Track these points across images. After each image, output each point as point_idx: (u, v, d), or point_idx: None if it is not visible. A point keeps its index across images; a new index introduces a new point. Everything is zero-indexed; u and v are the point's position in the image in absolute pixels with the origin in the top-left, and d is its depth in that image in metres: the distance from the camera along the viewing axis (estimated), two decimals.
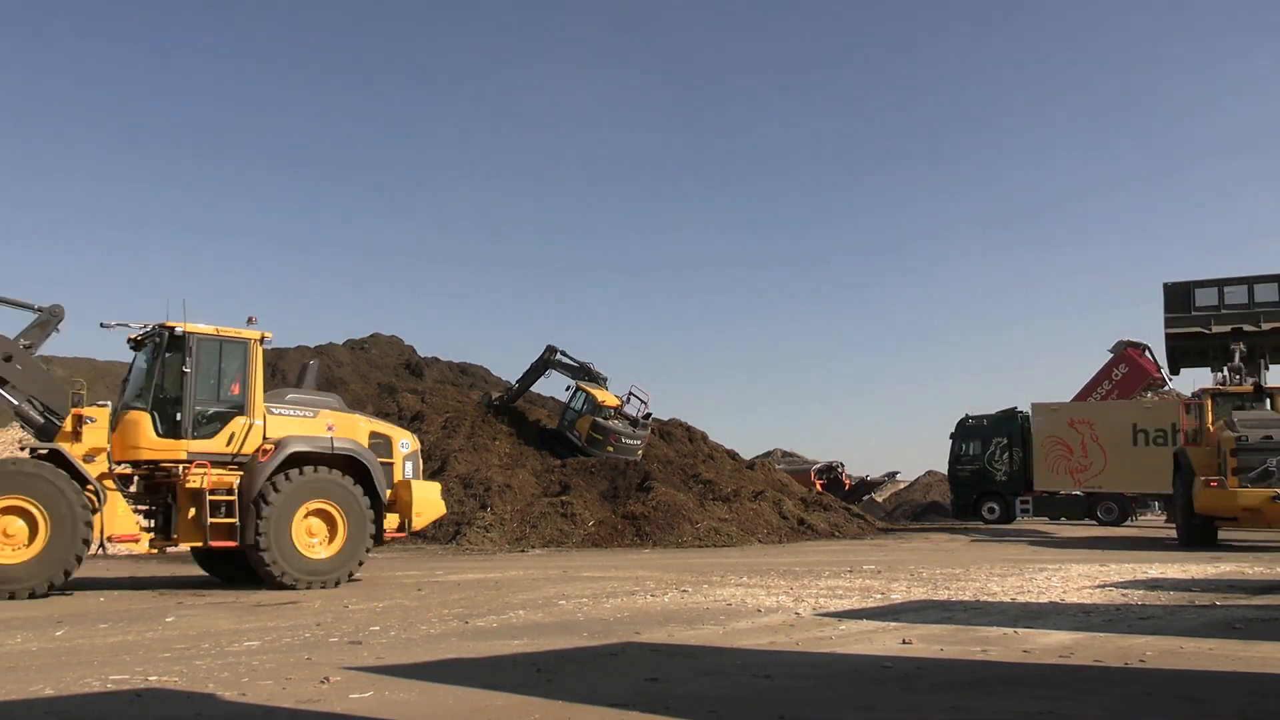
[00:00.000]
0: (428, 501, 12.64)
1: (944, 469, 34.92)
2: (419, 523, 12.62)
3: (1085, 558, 16.06)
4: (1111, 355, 33.56)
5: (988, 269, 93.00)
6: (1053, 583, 11.44)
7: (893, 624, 8.01)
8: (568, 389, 27.69)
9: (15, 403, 11.15)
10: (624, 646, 6.96)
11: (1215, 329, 22.44)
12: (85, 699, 5.16)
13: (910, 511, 40.34)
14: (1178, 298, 23.55)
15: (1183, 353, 25.06)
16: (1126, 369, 32.77)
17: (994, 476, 31.04)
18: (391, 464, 12.43)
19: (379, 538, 12.01)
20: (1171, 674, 5.71)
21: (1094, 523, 28.94)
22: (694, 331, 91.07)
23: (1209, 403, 20.08)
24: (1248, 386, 20.50)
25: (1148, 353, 33.36)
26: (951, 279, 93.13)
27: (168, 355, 11.35)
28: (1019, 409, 31.65)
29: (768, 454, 42.38)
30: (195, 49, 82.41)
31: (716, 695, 5.17)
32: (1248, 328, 21.73)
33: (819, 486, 33.40)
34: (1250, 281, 22.86)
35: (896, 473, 46.10)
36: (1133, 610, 8.85)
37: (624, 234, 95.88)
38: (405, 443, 12.83)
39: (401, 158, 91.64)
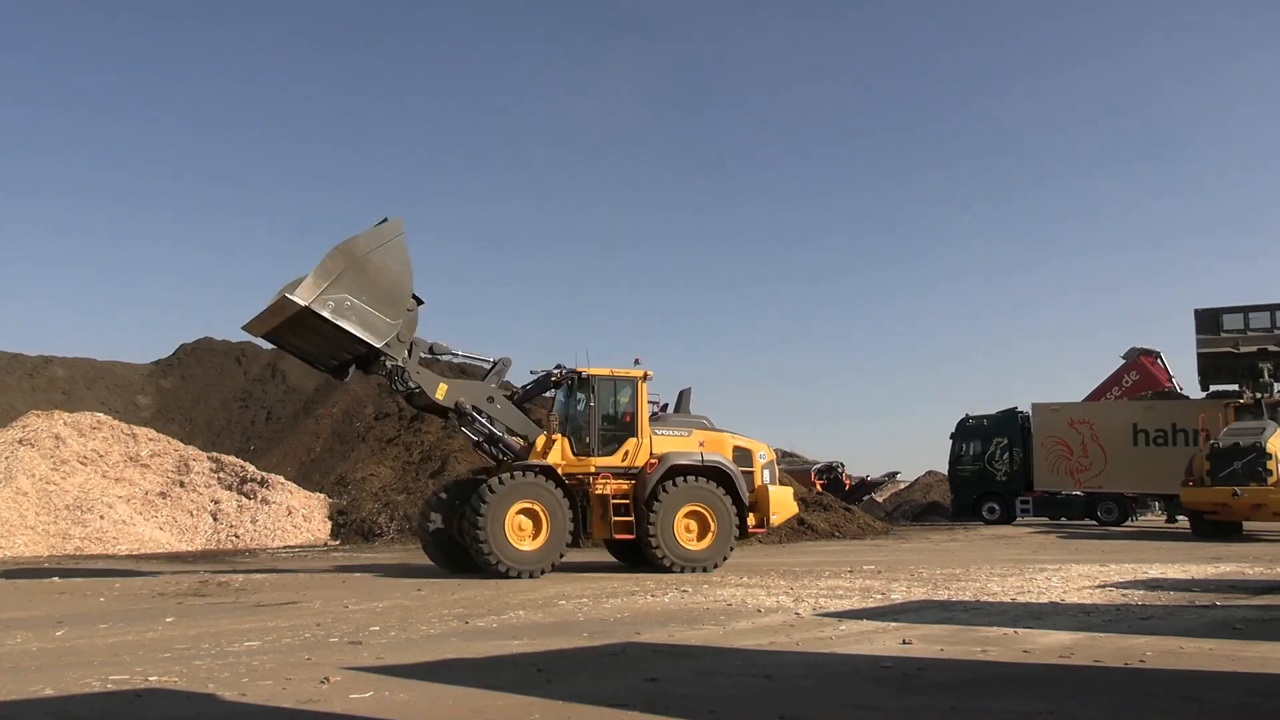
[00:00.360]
0: (782, 503, 14.91)
1: (944, 469, 34.94)
2: (775, 521, 14.98)
3: (1085, 558, 16.06)
4: (1124, 361, 33.72)
5: (988, 269, 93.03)
6: (1053, 583, 11.43)
7: (893, 624, 8.01)
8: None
9: (499, 434, 13.75)
10: (624, 646, 6.96)
11: (1243, 349, 24.74)
12: (85, 699, 5.16)
13: (910, 511, 40.33)
14: (1207, 321, 26.04)
15: (1214, 371, 26.91)
16: (1138, 376, 33.04)
17: (994, 476, 31.02)
18: (751, 472, 14.66)
19: (743, 533, 14.41)
20: (1171, 674, 5.71)
21: (1094, 523, 28.93)
22: (694, 332, 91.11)
23: (1231, 413, 23.19)
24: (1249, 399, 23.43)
25: (1160, 360, 33.55)
26: (952, 279, 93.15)
27: (578, 394, 14.25)
28: (1019, 409, 31.68)
29: None
30: (195, 49, 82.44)
31: (716, 695, 5.17)
32: (1271, 348, 24.13)
33: (819, 486, 33.36)
34: (1273, 309, 25.48)
35: (896, 473, 46.11)
36: (1133, 610, 8.85)
37: (624, 235, 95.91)
38: (763, 454, 15.01)
39: (402, 158, 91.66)
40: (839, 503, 28.30)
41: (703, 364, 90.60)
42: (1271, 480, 20.25)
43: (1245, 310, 25.78)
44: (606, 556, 15.86)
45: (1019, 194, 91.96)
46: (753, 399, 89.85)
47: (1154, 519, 31.82)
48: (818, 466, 38.56)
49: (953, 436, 32.46)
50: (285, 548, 20.56)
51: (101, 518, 19.98)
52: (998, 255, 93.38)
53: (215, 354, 38.53)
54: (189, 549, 20.21)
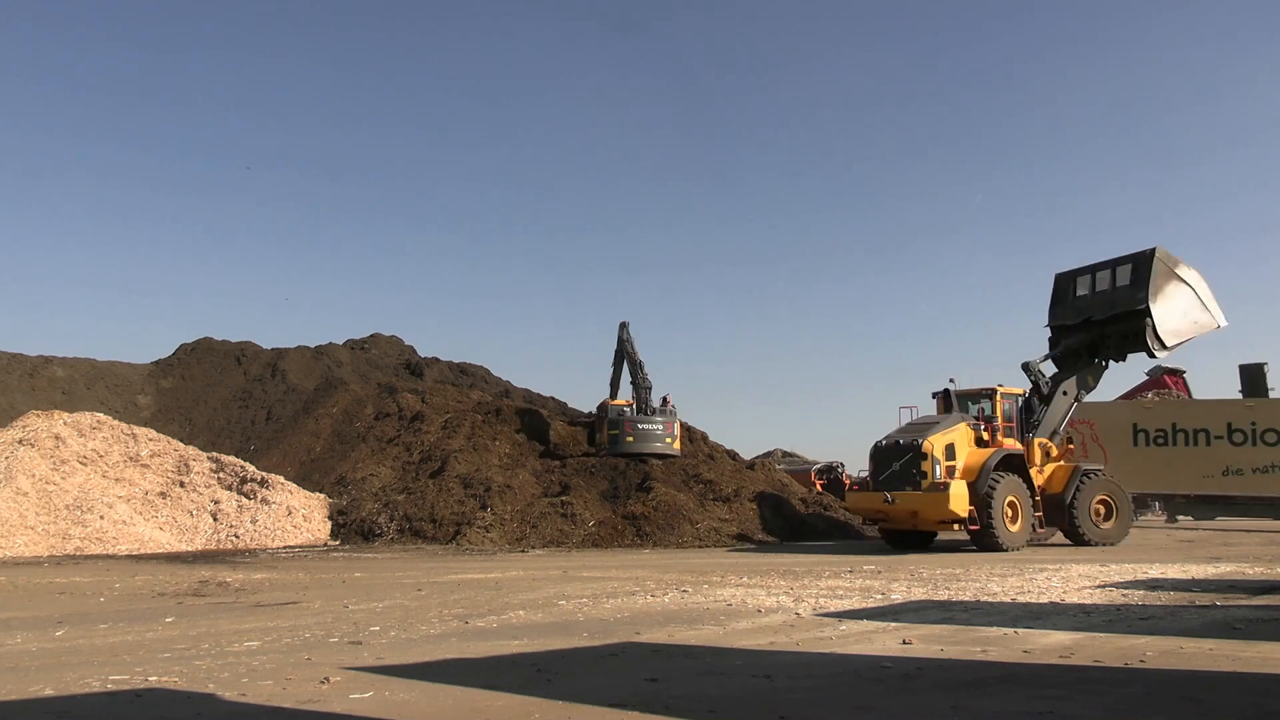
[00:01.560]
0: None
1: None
2: None
3: (1085, 558, 16.06)
4: (1146, 378, 33.76)
5: (989, 269, 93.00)
6: (1053, 583, 11.43)
7: (893, 624, 8.00)
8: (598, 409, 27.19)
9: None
10: (624, 646, 6.95)
11: (1059, 321, 21.74)
12: (85, 699, 5.16)
13: None
14: (1062, 288, 22.74)
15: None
16: (1163, 393, 32.96)
17: None
18: None
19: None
20: (1171, 674, 5.71)
21: None
22: (694, 332, 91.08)
23: (939, 404, 20.96)
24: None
25: (1183, 379, 33.57)
26: (953, 278, 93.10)
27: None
28: None
29: (768, 454, 42.34)
30: (196, 49, 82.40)
31: (716, 695, 5.17)
32: (1096, 317, 20.98)
33: (819, 486, 33.34)
34: (1114, 265, 21.87)
35: None
36: (1133, 610, 8.85)
37: (624, 234, 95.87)
38: None
39: (402, 158, 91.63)
40: (839, 503, 28.31)
41: (703, 363, 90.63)
42: (925, 483, 17.92)
43: (1093, 270, 22.31)
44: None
45: (1021, 195, 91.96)
46: (753, 399, 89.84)
47: (1153, 519, 31.85)
48: (818, 466, 38.52)
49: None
50: (285, 548, 20.56)
51: (101, 518, 19.98)
52: (1000, 254, 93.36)
53: (215, 354, 38.53)
54: (189, 549, 20.21)
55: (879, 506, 18.64)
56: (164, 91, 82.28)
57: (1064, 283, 22.56)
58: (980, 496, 17.74)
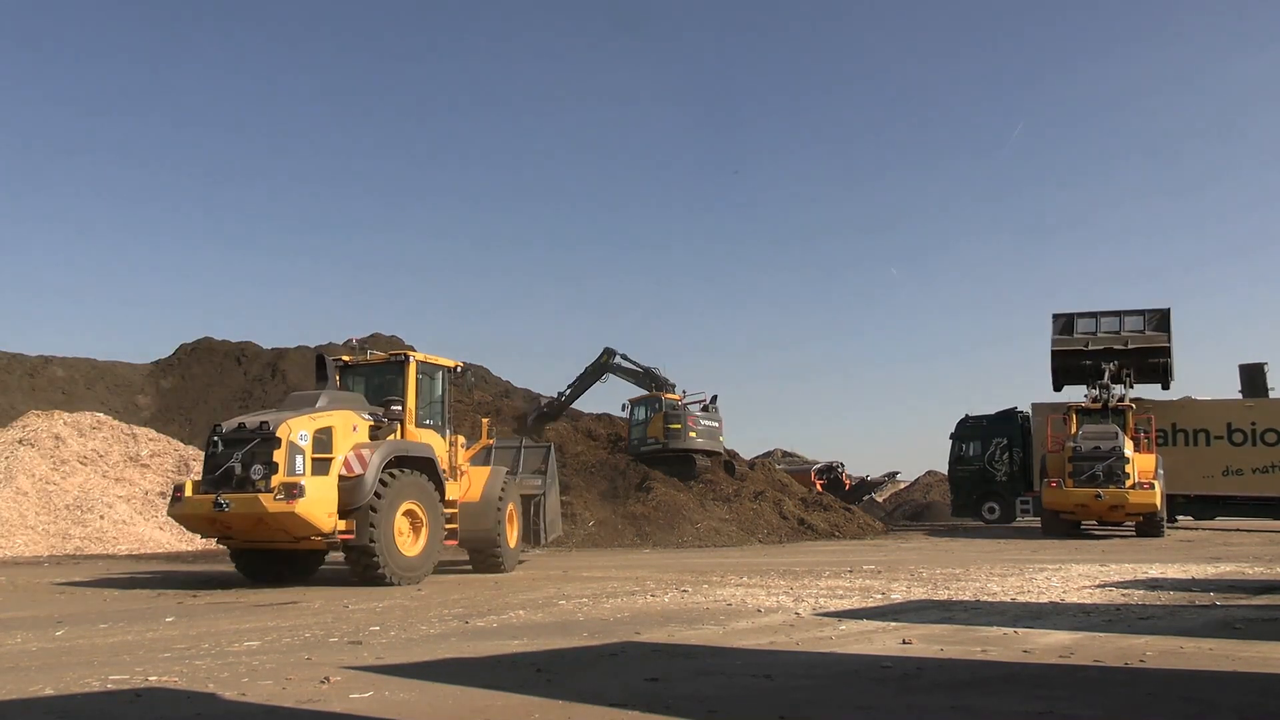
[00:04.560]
0: None
1: (944, 469, 34.95)
2: None
3: (1085, 558, 16.06)
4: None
5: (990, 268, 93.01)
6: (1053, 583, 11.43)
7: (893, 624, 8.00)
8: (624, 409, 26.35)
9: None
10: (624, 646, 6.95)
11: (1092, 347, 26.61)
12: (85, 699, 5.16)
13: (910, 511, 40.32)
14: (1062, 325, 27.96)
15: (1065, 371, 28.09)
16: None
17: (994, 476, 31.01)
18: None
19: None
20: (1171, 674, 5.71)
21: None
22: (695, 332, 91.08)
23: (1074, 416, 24.75)
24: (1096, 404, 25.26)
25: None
26: (954, 278, 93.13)
27: None
28: (1019, 409, 31.61)
29: (768, 454, 42.35)
30: (195, 49, 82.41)
31: (716, 695, 5.17)
32: (1117, 347, 26.14)
33: (819, 486, 33.37)
34: (1121, 314, 27.47)
35: (897, 473, 46.08)
36: (1133, 610, 8.85)
37: (624, 234, 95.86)
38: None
39: (402, 157, 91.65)
40: (839, 503, 28.32)
41: (703, 363, 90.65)
42: (1129, 483, 21.74)
43: (1097, 315, 27.75)
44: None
45: (1019, 193, 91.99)
46: (753, 398, 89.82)
47: None
48: (818, 466, 38.57)
49: (952, 437, 32.41)
50: None
51: (101, 518, 19.98)
52: (1002, 253, 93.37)
53: (215, 354, 38.53)
54: (189, 549, 20.21)
55: (1087, 501, 21.91)
56: (164, 91, 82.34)
57: (1064, 321, 27.71)
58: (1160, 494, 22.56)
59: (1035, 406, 30.54)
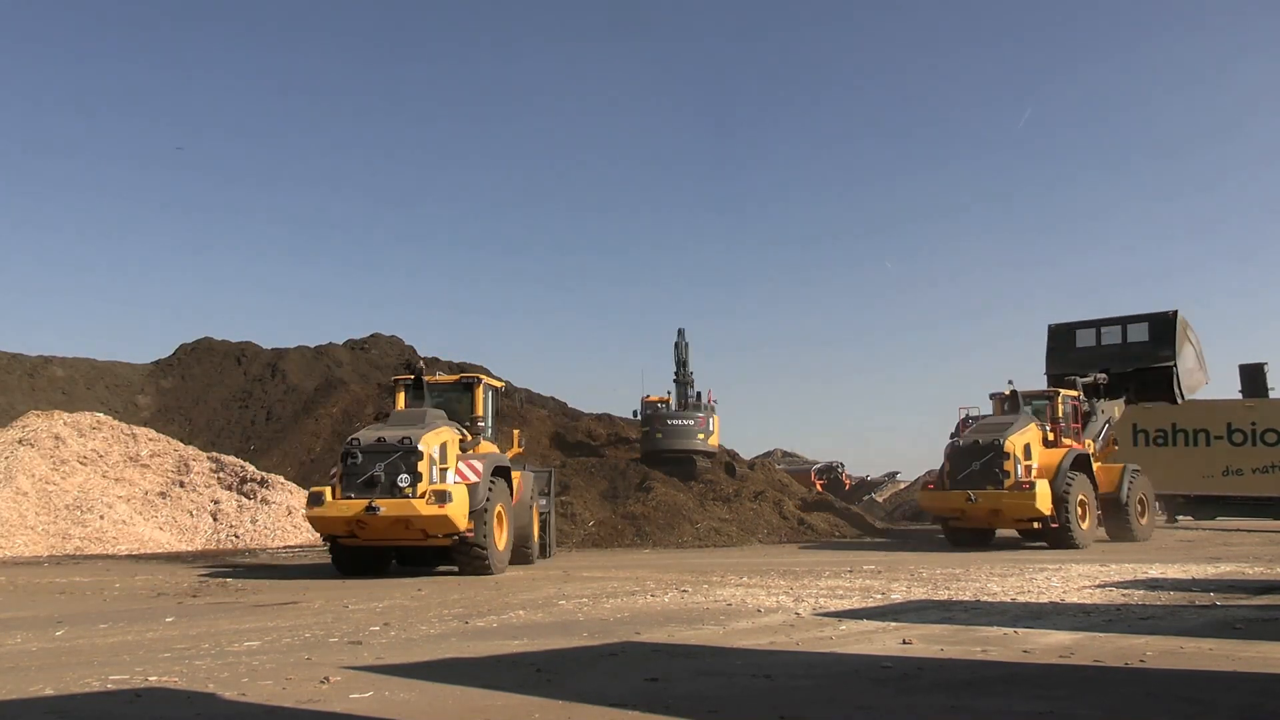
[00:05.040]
0: None
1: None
2: None
3: (1085, 558, 16.06)
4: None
5: (991, 267, 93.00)
6: (1053, 583, 11.43)
7: (893, 624, 8.00)
8: (634, 414, 26.47)
9: None
10: (624, 646, 6.95)
11: (1090, 375, 23.07)
12: (85, 699, 5.16)
13: (910, 511, 40.29)
14: (1061, 339, 25.10)
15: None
16: None
17: None
18: None
19: None
20: (1171, 674, 5.71)
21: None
22: (695, 332, 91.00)
23: (997, 405, 21.55)
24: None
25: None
26: (954, 278, 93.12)
27: None
28: None
29: (768, 454, 42.35)
30: (196, 48, 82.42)
31: (716, 695, 5.17)
32: (1115, 369, 23.41)
33: (819, 486, 33.36)
34: (1124, 322, 24.39)
35: (897, 473, 46.06)
36: (1133, 610, 8.85)
37: (624, 234, 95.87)
38: None
39: (401, 157, 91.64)
40: (839, 502, 28.32)
41: (704, 363, 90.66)
42: (1008, 483, 18.14)
43: (1098, 325, 24.75)
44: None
45: (1022, 192, 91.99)
46: (753, 398, 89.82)
47: (1154, 519, 31.63)
48: (818, 466, 38.57)
49: (953, 435, 32.39)
50: (285, 548, 20.56)
51: (101, 518, 19.98)
52: (1001, 253, 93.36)
53: (215, 354, 38.52)
54: (189, 549, 20.21)
55: (960, 505, 18.90)
56: (164, 91, 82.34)
57: (1063, 334, 24.77)
58: (1058, 495, 18.51)
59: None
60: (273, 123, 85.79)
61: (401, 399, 15.16)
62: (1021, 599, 9.84)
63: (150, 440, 23.94)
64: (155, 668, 6.00)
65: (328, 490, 13.08)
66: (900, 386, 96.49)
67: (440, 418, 14.07)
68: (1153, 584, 11.38)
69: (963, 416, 20.84)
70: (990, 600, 9.83)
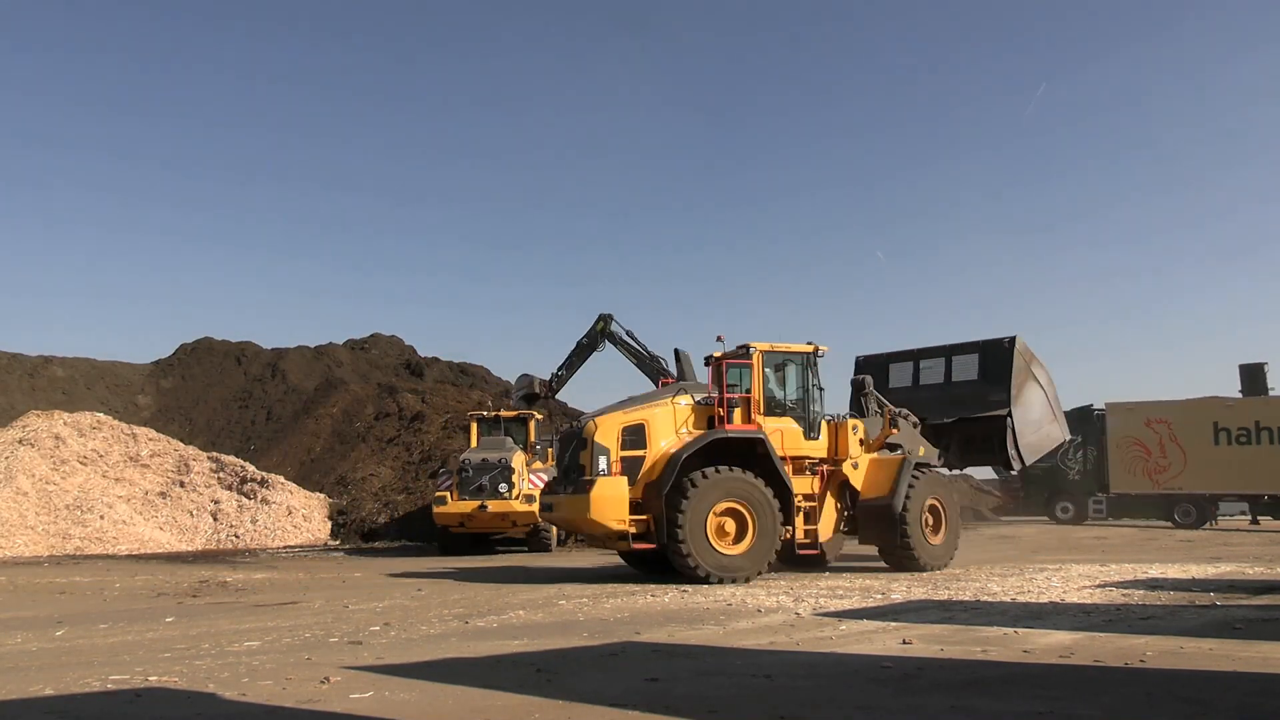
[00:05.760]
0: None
1: (943, 469, 34.62)
2: None
3: (1085, 558, 16.07)
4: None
5: (990, 265, 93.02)
6: (1053, 583, 11.44)
7: (893, 624, 8.01)
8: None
9: None
10: (624, 646, 6.96)
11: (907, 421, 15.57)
12: (85, 699, 5.16)
13: None
14: (870, 371, 17.62)
15: None
16: None
17: (1067, 475, 30.24)
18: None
19: None
20: (1171, 674, 5.71)
21: (1170, 524, 27.56)
22: (695, 331, 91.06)
23: (474, 425, 21.02)
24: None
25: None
26: (954, 277, 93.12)
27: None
28: (1093, 406, 30.62)
29: None
30: (197, 46, 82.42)
31: (716, 695, 5.17)
32: (931, 419, 16.53)
33: None
34: (949, 353, 17.86)
35: None
36: (1133, 610, 8.85)
37: (624, 235, 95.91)
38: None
39: (401, 157, 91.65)
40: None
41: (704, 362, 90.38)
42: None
43: (916, 356, 18.31)
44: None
45: (1020, 190, 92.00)
46: None
47: (1236, 521, 29.30)
48: None
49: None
50: (285, 548, 20.57)
51: (101, 518, 19.99)
52: (999, 250, 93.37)
53: (215, 354, 38.57)
54: (189, 549, 20.22)
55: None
56: (164, 91, 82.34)
57: (873, 370, 17.68)
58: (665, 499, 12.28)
59: (1110, 406, 29.48)
60: (273, 122, 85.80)
61: (475, 428, 20.85)
62: (1021, 599, 9.85)
63: (150, 440, 23.96)
64: (155, 668, 6.00)
65: (448, 494, 18.17)
66: None
67: (512, 444, 19.42)
68: (1153, 584, 11.38)
69: None
70: (990, 600, 9.84)
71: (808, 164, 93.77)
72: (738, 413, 13.06)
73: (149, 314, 79.89)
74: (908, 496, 13.53)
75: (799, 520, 13.03)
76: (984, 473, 47.32)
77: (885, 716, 4.66)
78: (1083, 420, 30.15)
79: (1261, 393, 28.87)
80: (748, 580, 12.08)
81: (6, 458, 20.88)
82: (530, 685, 5.41)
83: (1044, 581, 11.61)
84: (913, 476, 13.77)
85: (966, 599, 9.97)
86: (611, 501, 12.21)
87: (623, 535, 12.29)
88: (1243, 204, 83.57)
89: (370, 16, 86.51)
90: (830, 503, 13.70)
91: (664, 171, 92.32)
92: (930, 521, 13.93)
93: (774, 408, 13.46)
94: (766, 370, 13.48)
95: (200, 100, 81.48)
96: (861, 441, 14.08)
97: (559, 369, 24.56)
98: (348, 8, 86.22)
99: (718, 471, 12.26)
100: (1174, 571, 13.06)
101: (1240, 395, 29.21)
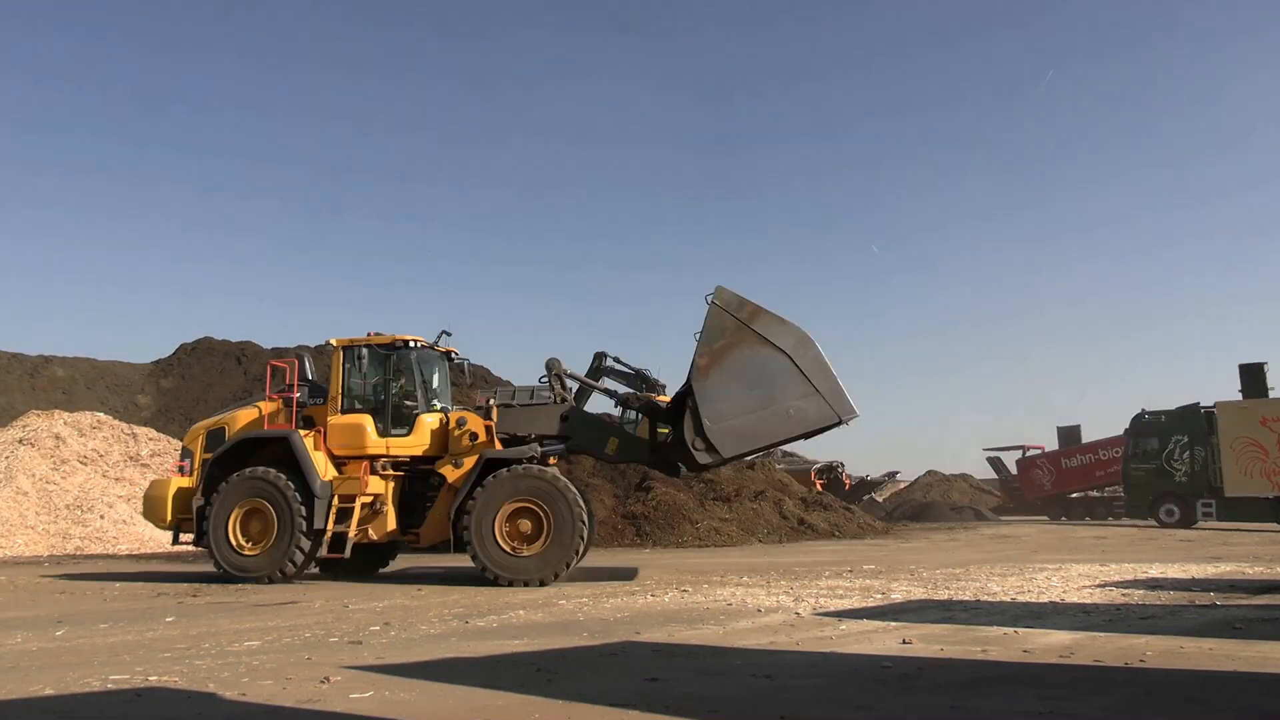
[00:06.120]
0: None
1: (944, 469, 34.71)
2: None
3: (1085, 557, 16.07)
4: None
5: (991, 271, 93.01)
6: (1053, 583, 11.44)
7: (893, 624, 8.00)
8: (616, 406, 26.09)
9: None
10: (624, 646, 6.95)
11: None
12: (85, 699, 5.16)
13: (910, 511, 40.32)
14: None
15: None
16: None
17: (1173, 477, 29.53)
18: None
19: None
20: (1171, 674, 5.71)
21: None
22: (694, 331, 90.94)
23: None
24: None
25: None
26: (955, 277, 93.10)
27: None
28: (1201, 405, 29.88)
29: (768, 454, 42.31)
30: (196, 48, 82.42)
31: (717, 695, 5.17)
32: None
33: (819, 486, 33.36)
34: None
35: (896, 473, 46.12)
36: (1133, 610, 8.85)
37: (624, 233, 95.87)
38: None
39: (402, 157, 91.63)
40: (839, 503, 28.31)
41: None
42: None
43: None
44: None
45: (1024, 197, 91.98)
46: None
47: None
48: (818, 466, 38.56)
49: (1128, 432, 30.88)
50: None
51: (101, 518, 19.99)
52: (1001, 257, 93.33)
53: (215, 354, 38.53)
54: (189, 549, 20.18)
55: None
56: (164, 90, 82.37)
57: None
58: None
59: (1220, 405, 28.43)
60: (272, 123, 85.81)
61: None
62: (1021, 599, 9.85)
63: (150, 440, 23.95)
64: (155, 668, 6.00)
65: None
66: (900, 387, 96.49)
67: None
68: (1153, 584, 11.38)
69: None
70: (990, 600, 9.84)
71: (807, 163, 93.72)
72: (320, 411, 13.24)
73: (149, 314, 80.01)
74: (471, 498, 12.02)
75: (330, 521, 12.43)
76: (984, 472, 47.60)
77: (885, 716, 4.66)
78: (1190, 419, 29.52)
79: (1261, 393, 28.60)
80: (270, 581, 12.41)
81: (7, 457, 20.88)
82: (530, 685, 5.41)
83: (1044, 581, 11.61)
84: (493, 476, 12.05)
85: (966, 599, 9.97)
86: (156, 501, 13.20)
87: (174, 529, 13.31)
88: (1240, 201, 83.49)
89: (369, 17, 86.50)
90: (390, 505, 12.74)
91: (665, 171, 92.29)
92: (528, 529, 11.99)
93: (356, 404, 13.15)
94: (347, 365, 13.25)
95: (200, 100, 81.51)
96: (474, 436, 12.71)
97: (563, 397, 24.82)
98: (346, 9, 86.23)
99: (244, 474, 12.64)
100: (1174, 571, 13.06)
101: (1241, 395, 28.92)
